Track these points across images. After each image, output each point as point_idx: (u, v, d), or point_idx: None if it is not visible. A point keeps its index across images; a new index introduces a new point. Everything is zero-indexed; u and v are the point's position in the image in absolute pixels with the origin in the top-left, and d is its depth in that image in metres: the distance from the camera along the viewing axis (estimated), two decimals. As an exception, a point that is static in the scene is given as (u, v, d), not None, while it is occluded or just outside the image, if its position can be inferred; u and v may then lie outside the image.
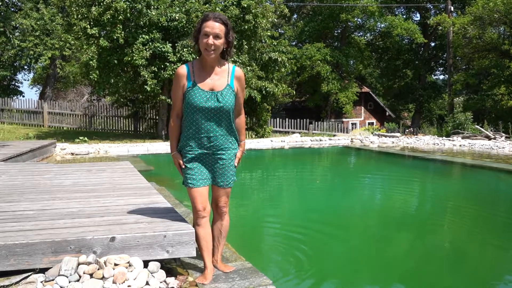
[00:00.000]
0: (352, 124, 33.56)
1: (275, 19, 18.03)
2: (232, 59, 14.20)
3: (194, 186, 2.60)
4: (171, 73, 13.65)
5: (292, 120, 23.42)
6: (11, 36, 9.44)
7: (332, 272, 3.66)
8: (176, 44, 14.18)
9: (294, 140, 16.77)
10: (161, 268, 2.55)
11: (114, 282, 2.32)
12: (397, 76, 36.31)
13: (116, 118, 20.12)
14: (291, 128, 23.07)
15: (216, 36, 2.50)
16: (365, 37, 34.89)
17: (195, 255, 2.68)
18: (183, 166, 2.64)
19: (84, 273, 2.36)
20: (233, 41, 2.62)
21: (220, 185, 2.68)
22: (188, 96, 2.56)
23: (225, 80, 2.61)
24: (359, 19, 30.97)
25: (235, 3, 14.69)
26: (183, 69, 2.60)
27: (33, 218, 2.97)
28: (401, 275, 3.56)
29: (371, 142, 16.89)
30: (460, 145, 14.73)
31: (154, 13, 13.87)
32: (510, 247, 4.36)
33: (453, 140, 16.00)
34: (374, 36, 35.50)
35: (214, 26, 2.49)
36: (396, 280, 3.45)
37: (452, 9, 26.68)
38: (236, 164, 2.74)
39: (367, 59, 31.68)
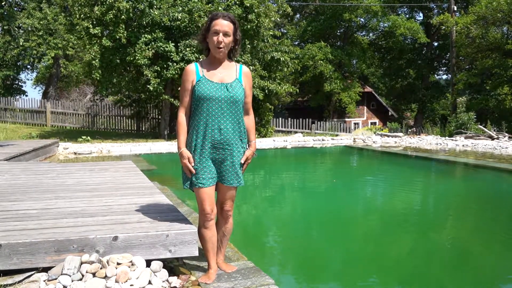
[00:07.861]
0: (355, 124, 33.50)
1: (278, 19, 18.01)
2: (235, 58, 14.19)
3: (204, 186, 2.55)
4: (174, 72, 13.66)
5: (295, 120, 23.40)
6: (15, 34, 9.39)
7: (334, 272, 3.65)
8: (179, 44, 14.18)
9: (296, 139, 16.76)
10: (163, 267, 2.55)
11: (116, 281, 2.32)
12: (399, 76, 36.22)
13: (119, 117, 20.17)
14: (294, 128, 23.04)
15: (226, 34, 2.55)
16: (368, 37, 34.84)
17: (197, 255, 2.67)
18: (192, 164, 2.57)
19: (86, 272, 2.36)
20: (240, 39, 2.67)
21: (227, 184, 2.63)
22: (198, 88, 2.56)
23: (234, 74, 2.65)
24: (362, 19, 30.90)
25: (238, 2, 14.67)
26: (192, 66, 2.64)
27: (36, 217, 2.98)
28: (403, 275, 3.55)
29: (374, 142, 16.87)
30: (463, 145, 14.69)
31: (156, 13, 13.88)
32: (513, 247, 4.35)
33: (456, 140, 15.96)
34: (377, 36, 35.43)
35: (224, 24, 2.54)
36: (398, 280, 3.45)
37: (455, 8, 26.60)
38: (245, 164, 2.71)
39: (370, 58, 31.59)
